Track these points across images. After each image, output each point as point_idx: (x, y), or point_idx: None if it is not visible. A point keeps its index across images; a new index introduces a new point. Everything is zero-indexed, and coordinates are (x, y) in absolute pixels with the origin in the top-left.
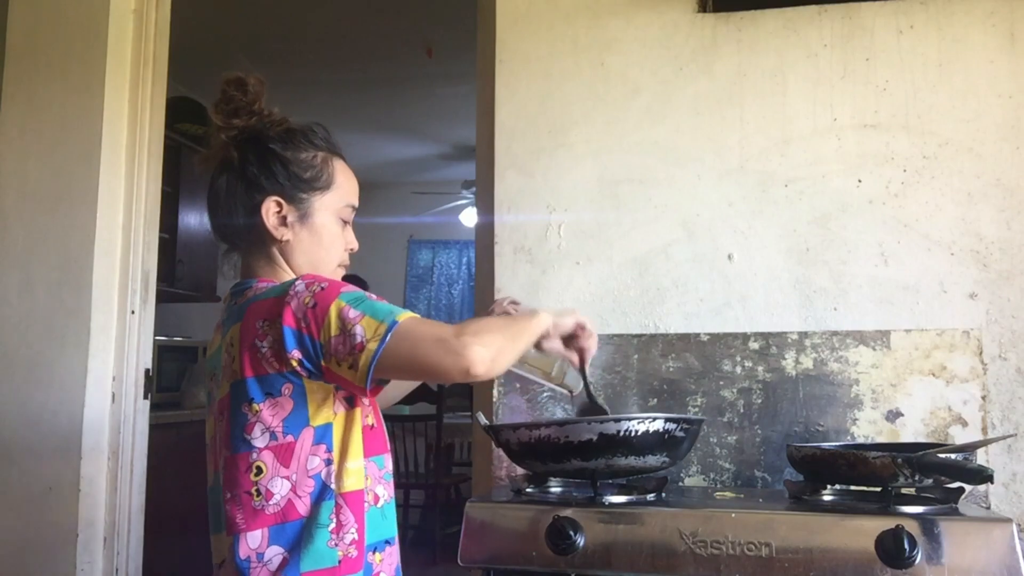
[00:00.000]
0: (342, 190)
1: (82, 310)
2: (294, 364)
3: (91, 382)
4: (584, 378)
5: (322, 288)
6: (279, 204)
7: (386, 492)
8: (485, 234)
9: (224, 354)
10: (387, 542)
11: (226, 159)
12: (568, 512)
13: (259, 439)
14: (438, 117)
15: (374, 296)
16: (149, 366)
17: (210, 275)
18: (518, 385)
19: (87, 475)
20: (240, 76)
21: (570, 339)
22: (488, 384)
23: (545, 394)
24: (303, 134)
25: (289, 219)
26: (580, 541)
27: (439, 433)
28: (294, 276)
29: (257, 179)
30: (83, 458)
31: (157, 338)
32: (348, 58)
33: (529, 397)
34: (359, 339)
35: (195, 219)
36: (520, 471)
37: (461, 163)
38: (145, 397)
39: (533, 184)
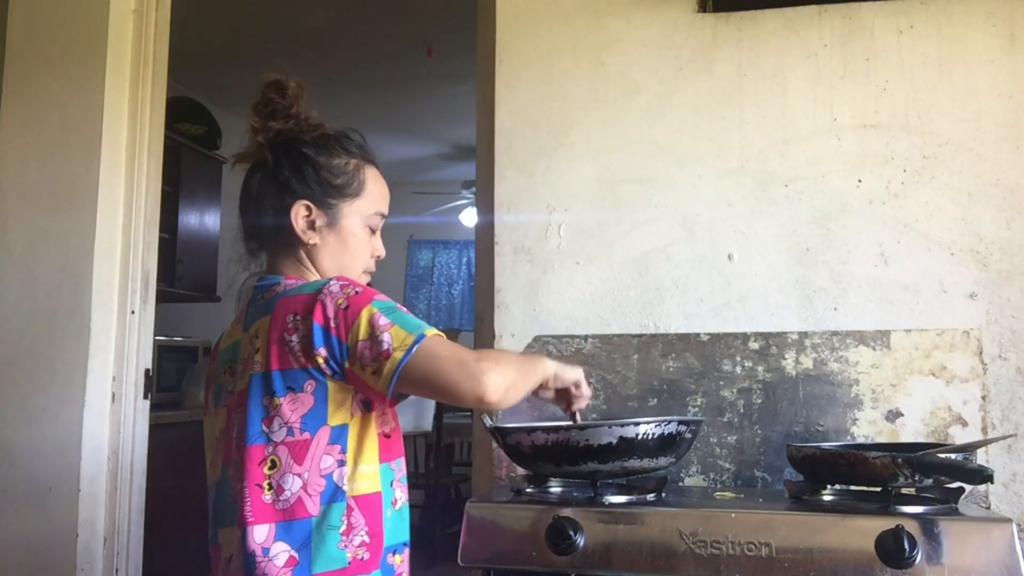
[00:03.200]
0: (372, 198)
1: (82, 310)
2: (320, 361)
3: (91, 382)
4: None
5: (356, 292)
6: (308, 208)
7: (403, 495)
8: (485, 234)
9: (247, 346)
10: (404, 544)
11: (260, 160)
12: (568, 512)
13: (276, 433)
14: (438, 117)
15: (404, 308)
16: (149, 366)
17: (210, 275)
18: None
19: (87, 475)
20: (280, 79)
21: (563, 392)
22: None
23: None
24: (337, 140)
25: (318, 223)
26: (580, 541)
27: (439, 433)
28: (320, 277)
29: (289, 182)
30: (83, 458)
31: (157, 338)
32: (348, 58)
33: (529, 398)
34: (386, 346)
35: (195, 219)
36: (520, 471)
37: (461, 163)
38: (145, 397)
39: (533, 184)
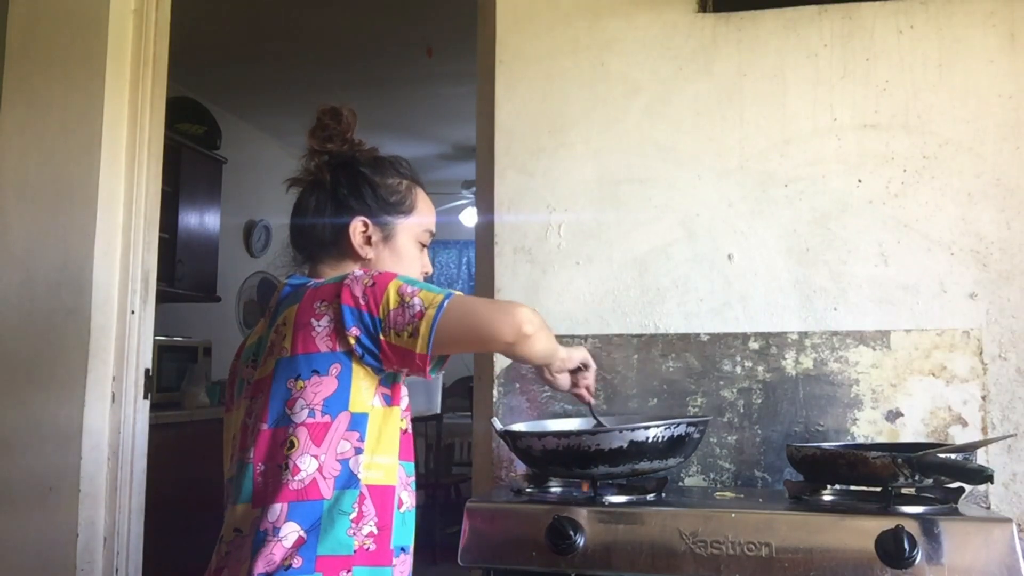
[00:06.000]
0: (422, 215)
1: (82, 310)
2: (351, 342)
3: (91, 382)
4: (592, 410)
5: (379, 272)
6: (365, 224)
7: (410, 499)
8: (485, 234)
9: (272, 335)
10: (403, 549)
11: (318, 180)
12: (568, 512)
13: (298, 414)
14: (438, 117)
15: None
16: (149, 366)
17: (210, 275)
18: (518, 386)
19: (87, 475)
20: (336, 107)
21: (575, 372)
22: (488, 384)
23: (545, 394)
24: (390, 163)
25: (373, 239)
26: (580, 541)
27: (439, 433)
28: None
29: (347, 200)
30: (83, 458)
31: (157, 338)
32: (348, 58)
33: (529, 397)
34: (418, 308)
35: (195, 219)
36: (520, 471)
37: (461, 163)
38: (145, 397)
39: (533, 184)
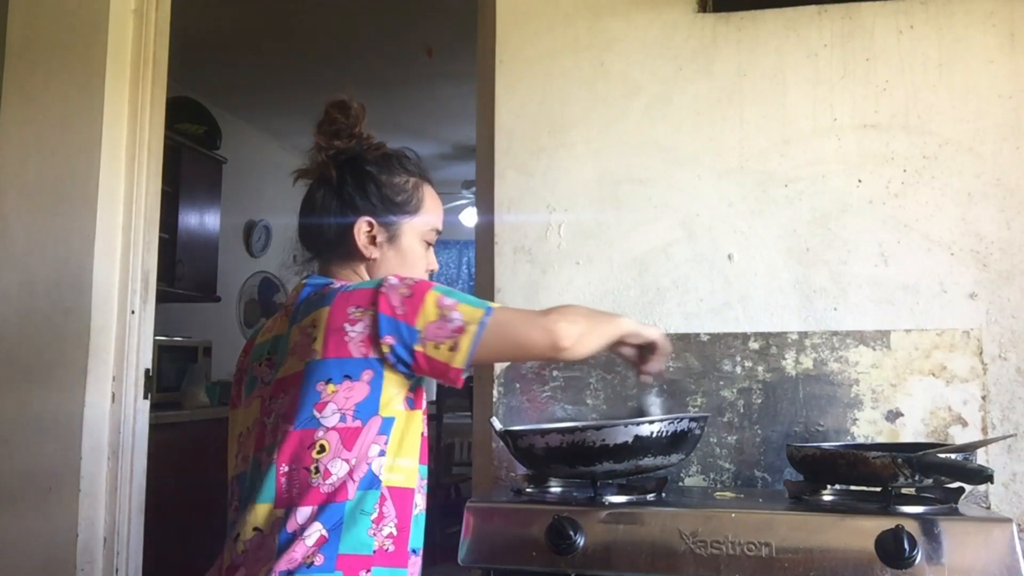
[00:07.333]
0: (429, 214)
1: (82, 310)
2: (385, 350)
3: (91, 382)
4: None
5: (415, 281)
6: (370, 225)
7: (423, 503)
8: (485, 234)
9: (297, 336)
10: (414, 551)
11: (325, 176)
12: (568, 512)
13: (329, 418)
14: (438, 117)
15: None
16: (149, 366)
17: (210, 275)
18: (518, 386)
19: (87, 475)
20: (344, 100)
21: (643, 353)
22: (488, 384)
23: (545, 394)
24: (398, 159)
25: (378, 239)
26: (580, 541)
27: (439, 433)
28: None
29: (352, 199)
30: (83, 458)
31: (157, 338)
32: (348, 58)
33: (529, 397)
34: (459, 323)
35: (195, 219)
36: (521, 471)
37: (461, 163)
38: (145, 397)
39: (533, 184)
